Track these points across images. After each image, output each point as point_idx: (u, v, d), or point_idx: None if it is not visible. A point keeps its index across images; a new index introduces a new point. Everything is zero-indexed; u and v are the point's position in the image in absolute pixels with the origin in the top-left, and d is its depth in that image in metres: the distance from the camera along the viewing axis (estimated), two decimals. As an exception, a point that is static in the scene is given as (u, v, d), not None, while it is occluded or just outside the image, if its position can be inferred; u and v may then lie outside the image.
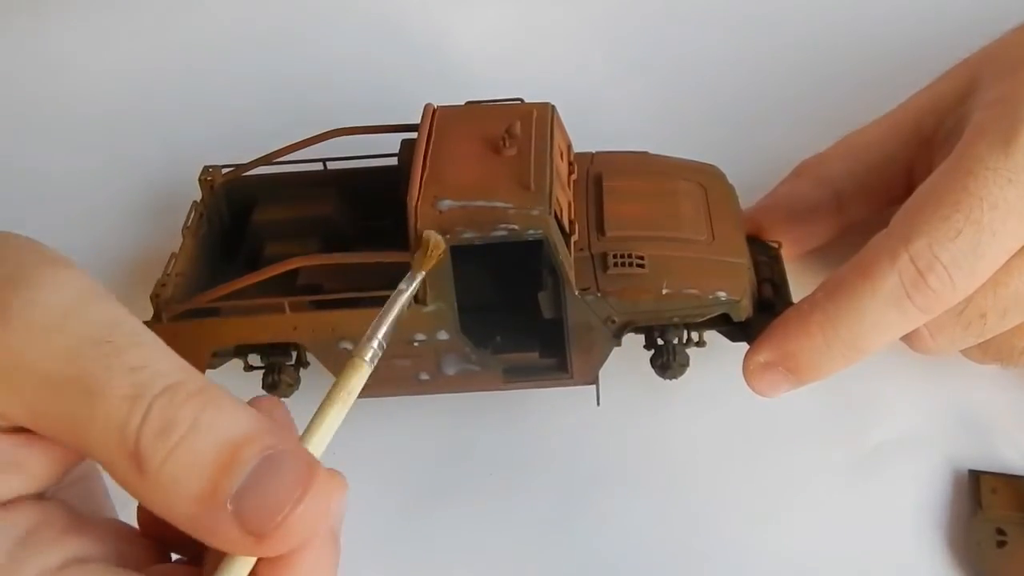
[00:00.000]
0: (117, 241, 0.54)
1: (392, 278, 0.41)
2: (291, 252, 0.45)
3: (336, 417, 0.32)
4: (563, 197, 0.42)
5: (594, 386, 0.44)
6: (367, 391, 0.45)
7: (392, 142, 0.46)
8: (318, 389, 0.44)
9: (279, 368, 0.45)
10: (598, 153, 0.47)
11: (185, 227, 0.46)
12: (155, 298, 0.43)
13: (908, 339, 0.42)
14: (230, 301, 0.42)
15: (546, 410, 0.48)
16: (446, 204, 0.39)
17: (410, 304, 0.40)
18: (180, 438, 0.28)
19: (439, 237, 0.39)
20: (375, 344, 0.34)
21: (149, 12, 0.59)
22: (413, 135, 0.44)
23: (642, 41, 0.60)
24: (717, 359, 0.44)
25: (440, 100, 0.45)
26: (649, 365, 0.44)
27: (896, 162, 0.47)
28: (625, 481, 0.46)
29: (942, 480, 0.45)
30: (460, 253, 0.40)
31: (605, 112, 0.56)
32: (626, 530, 0.45)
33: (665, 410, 0.48)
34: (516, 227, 0.39)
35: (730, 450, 0.46)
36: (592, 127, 0.48)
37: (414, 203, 0.40)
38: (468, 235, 0.39)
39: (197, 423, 0.28)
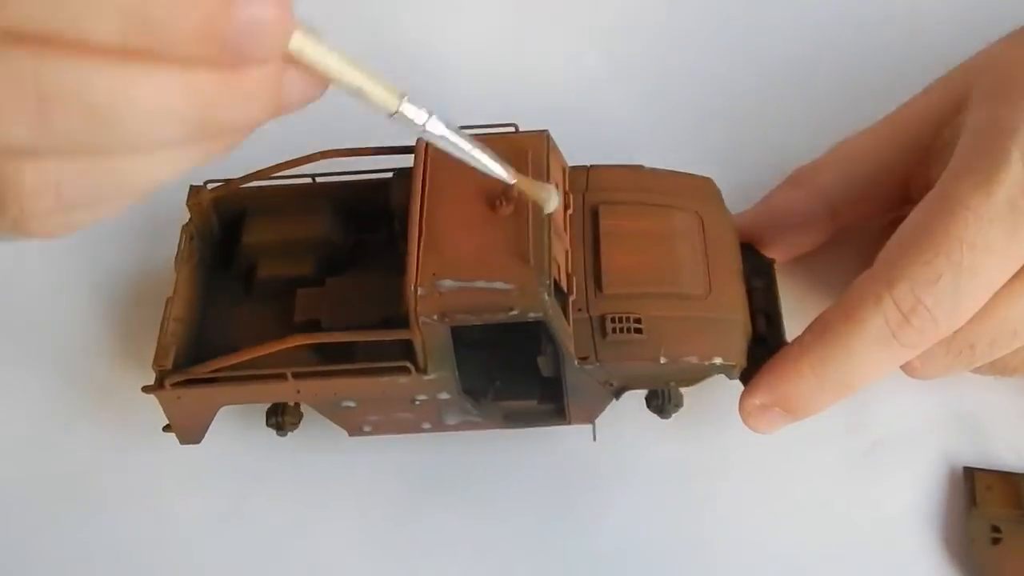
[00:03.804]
0: (115, 259, 0.53)
1: (387, 309, 0.42)
2: (284, 270, 0.45)
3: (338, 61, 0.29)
4: (560, 250, 0.41)
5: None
6: (371, 431, 0.44)
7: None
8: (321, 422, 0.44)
9: (282, 410, 0.45)
10: (592, 168, 0.45)
11: (177, 258, 0.45)
12: (157, 368, 0.42)
13: (902, 367, 0.42)
14: (230, 364, 0.42)
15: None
16: (446, 284, 0.39)
17: (410, 373, 0.41)
18: None
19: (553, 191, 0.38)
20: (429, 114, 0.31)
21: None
22: (403, 157, 0.43)
23: (636, 46, 0.58)
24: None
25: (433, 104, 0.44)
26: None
27: (892, 171, 0.46)
28: (617, 479, 0.46)
29: (937, 477, 0.46)
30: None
31: (598, 116, 0.55)
32: (620, 526, 0.45)
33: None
34: (516, 312, 0.39)
35: (725, 448, 0.47)
36: (585, 130, 0.47)
37: (412, 286, 0.39)
38: (468, 318, 0.39)
39: None
